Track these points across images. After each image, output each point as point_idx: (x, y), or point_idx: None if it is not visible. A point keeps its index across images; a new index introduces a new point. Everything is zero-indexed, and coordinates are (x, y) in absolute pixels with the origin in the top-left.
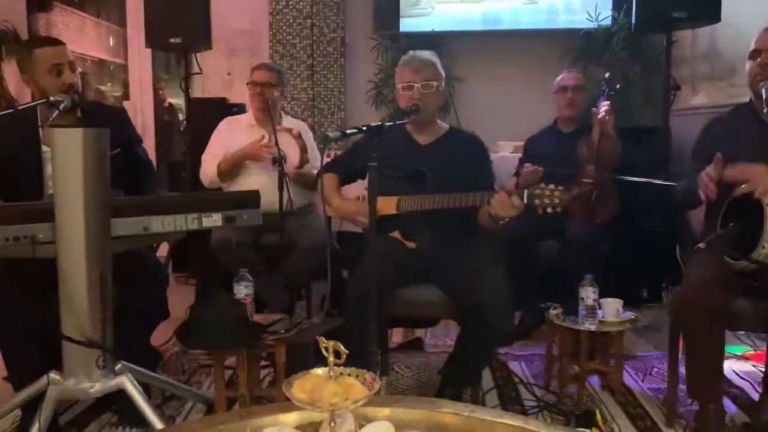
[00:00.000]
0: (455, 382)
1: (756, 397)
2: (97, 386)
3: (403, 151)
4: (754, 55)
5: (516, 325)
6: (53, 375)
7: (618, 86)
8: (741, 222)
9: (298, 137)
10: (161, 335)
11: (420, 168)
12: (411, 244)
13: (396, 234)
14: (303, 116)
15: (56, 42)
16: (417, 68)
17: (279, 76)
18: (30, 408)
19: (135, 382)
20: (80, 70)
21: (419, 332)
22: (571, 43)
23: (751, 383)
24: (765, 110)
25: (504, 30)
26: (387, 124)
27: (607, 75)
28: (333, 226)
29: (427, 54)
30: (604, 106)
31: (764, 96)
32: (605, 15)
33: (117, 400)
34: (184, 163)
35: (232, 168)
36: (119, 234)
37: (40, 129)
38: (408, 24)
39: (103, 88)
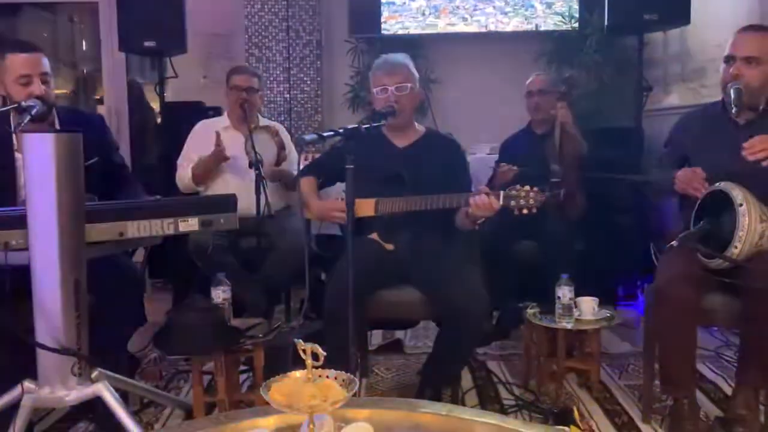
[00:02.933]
0: (434, 382)
1: (729, 391)
2: (72, 394)
3: (380, 153)
4: (728, 59)
5: (494, 325)
6: (27, 384)
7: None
8: (713, 220)
9: (276, 134)
10: (138, 341)
11: (398, 170)
12: (389, 246)
13: (374, 236)
14: (280, 119)
15: (32, 49)
16: (390, 71)
17: (259, 80)
18: (4, 418)
19: (112, 390)
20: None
21: (399, 334)
22: (546, 45)
23: (724, 378)
24: (733, 110)
25: (480, 32)
26: (364, 126)
27: (565, 75)
28: (312, 228)
29: (399, 56)
30: (560, 107)
31: (732, 97)
32: (579, 18)
33: (94, 407)
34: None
35: (204, 172)
36: (94, 240)
37: (14, 135)
38: (385, 26)
39: (76, 92)
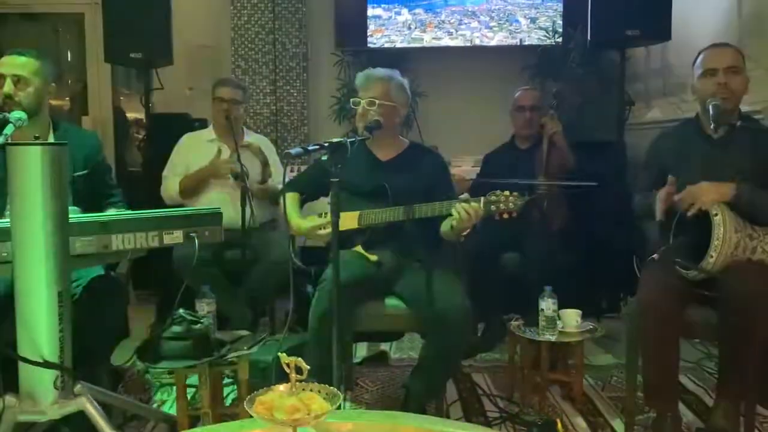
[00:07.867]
0: (419, 395)
1: (710, 403)
2: (55, 408)
3: (363, 167)
4: (707, 73)
5: (479, 338)
6: (9, 398)
7: (566, 100)
8: (693, 233)
9: (258, 152)
10: (122, 354)
11: (381, 183)
12: (373, 257)
13: (358, 248)
14: (266, 131)
15: (17, 53)
16: (364, 86)
17: (244, 93)
18: None
19: (95, 403)
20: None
21: (384, 346)
22: (530, 59)
23: (705, 389)
24: (712, 126)
25: (465, 46)
26: (349, 140)
27: (554, 90)
28: (297, 242)
29: (382, 71)
30: (550, 118)
31: (711, 112)
32: (562, 32)
33: (76, 421)
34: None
35: (194, 186)
36: (78, 252)
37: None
38: (371, 40)
39: (60, 102)
